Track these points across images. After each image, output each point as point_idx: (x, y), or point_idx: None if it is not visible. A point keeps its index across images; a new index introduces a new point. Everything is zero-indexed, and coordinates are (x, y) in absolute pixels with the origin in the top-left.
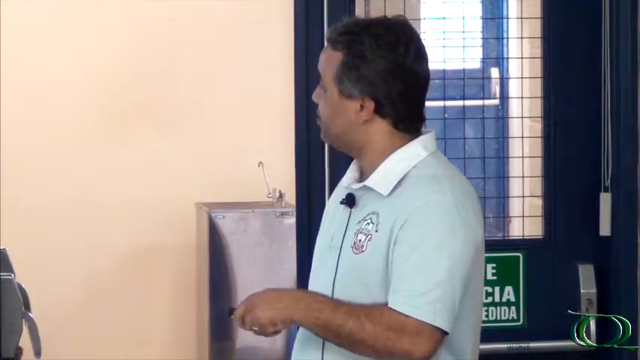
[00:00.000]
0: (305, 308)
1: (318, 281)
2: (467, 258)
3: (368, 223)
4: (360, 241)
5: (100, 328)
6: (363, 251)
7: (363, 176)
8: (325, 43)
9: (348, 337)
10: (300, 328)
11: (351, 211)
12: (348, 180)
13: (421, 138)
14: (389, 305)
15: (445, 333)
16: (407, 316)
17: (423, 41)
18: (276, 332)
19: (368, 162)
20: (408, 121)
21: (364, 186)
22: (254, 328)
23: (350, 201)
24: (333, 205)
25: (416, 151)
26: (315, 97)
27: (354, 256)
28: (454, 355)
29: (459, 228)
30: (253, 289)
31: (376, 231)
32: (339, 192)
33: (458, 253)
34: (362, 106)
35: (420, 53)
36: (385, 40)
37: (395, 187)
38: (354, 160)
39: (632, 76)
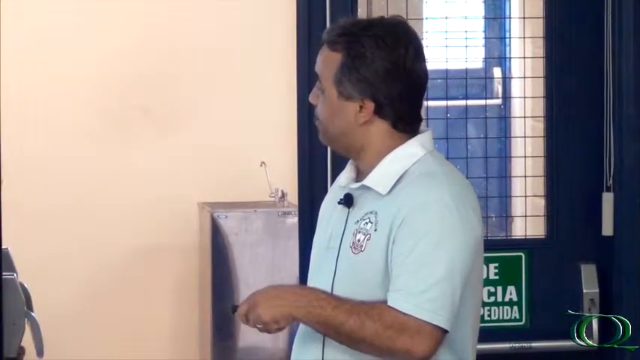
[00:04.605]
0: (306, 306)
1: (317, 282)
2: (466, 256)
3: (366, 223)
4: (359, 240)
5: (103, 327)
6: (362, 251)
7: (360, 176)
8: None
9: (349, 335)
10: (300, 326)
11: (349, 211)
12: (345, 180)
13: (418, 137)
14: (389, 304)
15: (445, 331)
16: (407, 314)
17: (425, 41)
18: (279, 329)
19: (366, 162)
20: (407, 121)
21: (362, 185)
22: (257, 325)
23: (348, 201)
24: (329, 205)
25: (413, 150)
26: (311, 98)
27: (353, 256)
28: (454, 354)
29: (458, 226)
30: (255, 289)
31: (375, 230)
32: (335, 192)
33: (457, 250)
34: (361, 107)
35: (419, 53)
36: (385, 41)
37: (393, 186)
38: (350, 160)
39: (634, 75)
